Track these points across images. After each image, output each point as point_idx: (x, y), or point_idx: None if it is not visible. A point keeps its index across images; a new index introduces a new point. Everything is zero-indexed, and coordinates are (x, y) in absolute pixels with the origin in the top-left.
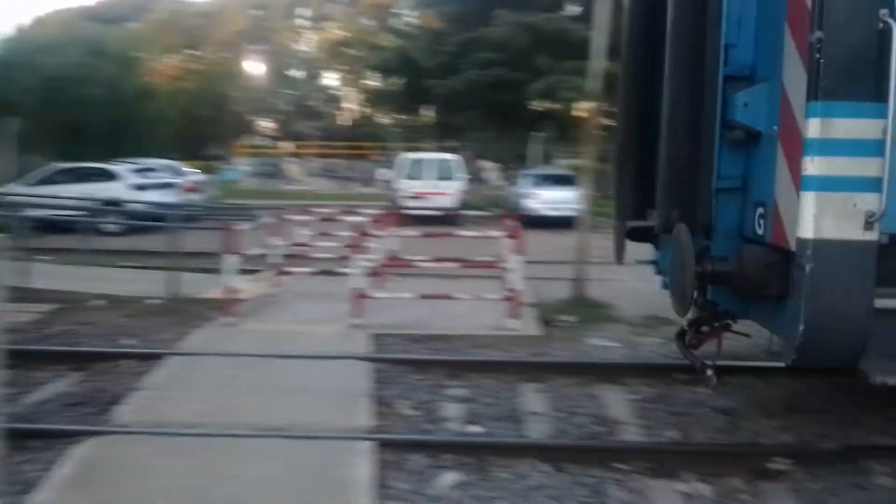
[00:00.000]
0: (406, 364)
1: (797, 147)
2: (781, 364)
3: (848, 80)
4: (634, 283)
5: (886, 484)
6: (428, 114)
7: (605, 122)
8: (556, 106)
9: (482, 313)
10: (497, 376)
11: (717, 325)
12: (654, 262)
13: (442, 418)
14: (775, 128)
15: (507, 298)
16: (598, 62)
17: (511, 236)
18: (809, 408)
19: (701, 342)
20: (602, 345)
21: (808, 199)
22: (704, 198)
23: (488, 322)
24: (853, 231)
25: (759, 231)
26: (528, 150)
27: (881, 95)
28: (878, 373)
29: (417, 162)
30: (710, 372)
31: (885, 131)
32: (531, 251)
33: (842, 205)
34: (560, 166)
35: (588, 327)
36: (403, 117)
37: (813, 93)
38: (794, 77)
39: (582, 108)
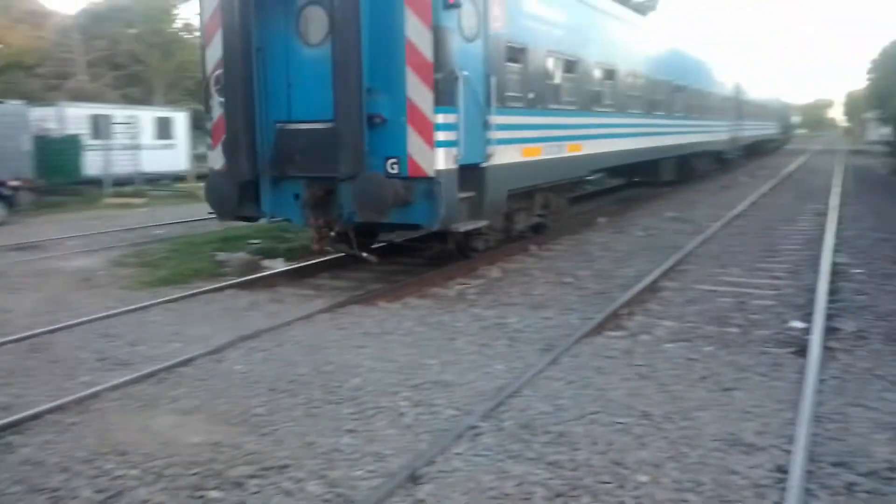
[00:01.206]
0: None
1: (428, 128)
2: None
3: (448, 97)
4: None
5: None
6: None
7: None
8: None
9: None
10: None
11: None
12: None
13: None
14: (403, 118)
15: None
16: None
17: None
18: None
19: (325, 240)
20: None
21: (440, 152)
22: (363, 157)
23: None
24: (452, 164)
25: (393, 171)
26: None
27: (456, 104)
28: (460, 226)
29: None
30: (366, 254)
31: (457, 119)
32: None
33: (449, 153)
34: None
35: None
36: None
37: (438, 102)
38: (420, 94)
39: None
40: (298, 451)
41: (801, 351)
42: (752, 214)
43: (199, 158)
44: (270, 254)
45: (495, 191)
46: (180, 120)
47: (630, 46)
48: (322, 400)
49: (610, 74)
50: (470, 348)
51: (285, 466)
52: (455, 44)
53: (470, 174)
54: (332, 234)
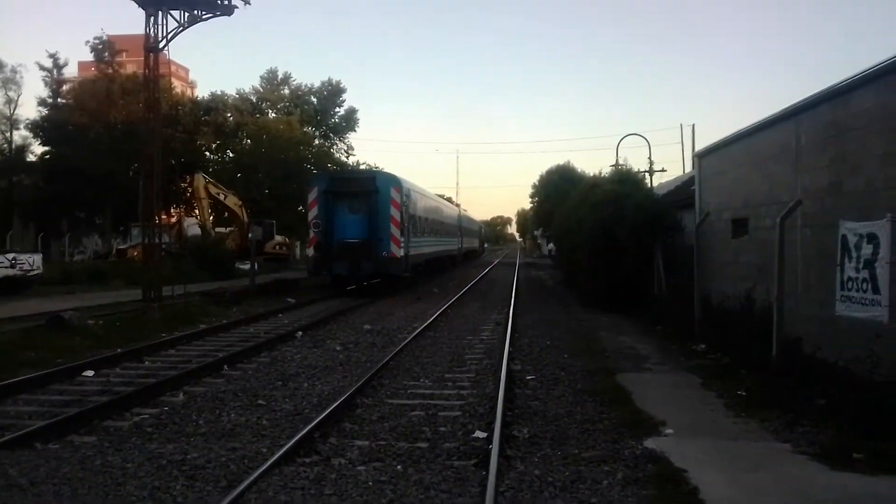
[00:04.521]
0: None
1: (398, 242)
2: None
3: (403, 232)
4: None
5: None
6: None
7: None
8: None
9: None
10: None
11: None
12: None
13: None
14: (388, 239)
15: None
16: None
17: None
18: None
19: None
20: None
21: (401, 249)
22: (378, 251)
23: None
24: (403, 254)
25: (385, 255)
26: None
27: (406, 235)
28: (403, 274)
29: None
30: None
31: (405, 239)
32: None
33: (404, 250)
34: None
35: None
36: None
37: (401, 234)
38: (396, 231)
39: None
40: None
41: (483, 461)
42: (442, 325)
43: None
44: None
45: (412, 264)
46: None
47: (435, 209)
48: None
49: (428, 220)
50: (140, 494)
51: None
52: (405, 215)
53: (406, 257)
54: (360, 278)
